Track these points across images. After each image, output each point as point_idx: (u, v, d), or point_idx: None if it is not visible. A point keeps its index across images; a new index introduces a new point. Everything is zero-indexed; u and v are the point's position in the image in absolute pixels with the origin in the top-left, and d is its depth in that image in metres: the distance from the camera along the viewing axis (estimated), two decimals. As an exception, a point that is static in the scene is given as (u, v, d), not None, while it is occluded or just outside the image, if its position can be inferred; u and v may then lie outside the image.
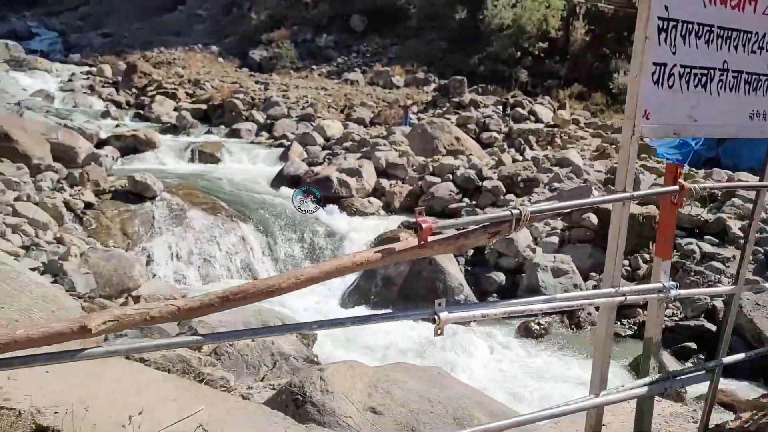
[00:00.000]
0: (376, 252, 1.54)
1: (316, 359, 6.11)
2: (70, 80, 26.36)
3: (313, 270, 1.49)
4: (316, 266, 1.51)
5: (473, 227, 1.70)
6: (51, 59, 32.30)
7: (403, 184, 13.45)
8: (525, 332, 8.04)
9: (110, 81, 26.78)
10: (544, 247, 10.07)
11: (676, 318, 8.43)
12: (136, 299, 6.23)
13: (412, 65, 27.05)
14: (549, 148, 16.32)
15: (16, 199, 8.24)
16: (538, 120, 19.20)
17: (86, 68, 29.60)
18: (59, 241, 7.67)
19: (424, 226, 1.52)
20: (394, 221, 11.79)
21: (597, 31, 25.51)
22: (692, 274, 8.92)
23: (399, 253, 1.56)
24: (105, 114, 20.43)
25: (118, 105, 22.87)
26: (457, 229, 1.72)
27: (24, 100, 19.22)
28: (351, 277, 9.48)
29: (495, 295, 9.41)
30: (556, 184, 12.46)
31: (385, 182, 13.43)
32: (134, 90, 24.88)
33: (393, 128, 17.35)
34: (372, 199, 12.93)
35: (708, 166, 14.47)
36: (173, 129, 18.50)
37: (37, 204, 8.26)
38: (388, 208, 12.85)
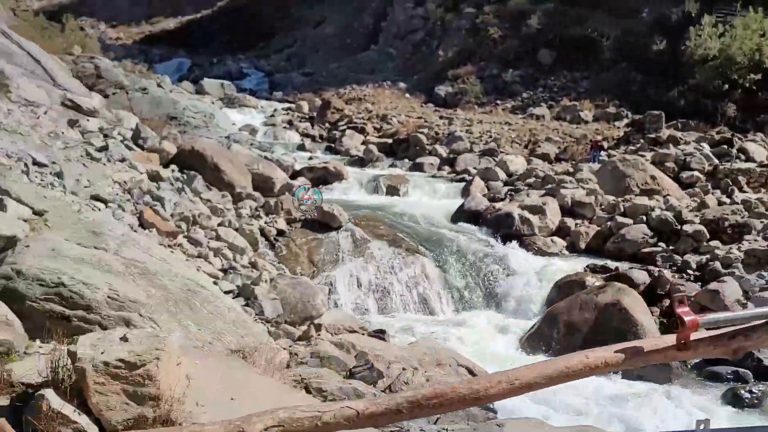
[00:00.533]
0: (617, 352, 1.21)
1: (492, 407, 5.81)
2: (272, 116, 28.82)
3: (530, 373, 1.19)
4: (533, 367, 1.21)
5: (758, 322, 1.26)
6: (258, 97, 35.63)
7: (590, 223, 12.69)
8: (733, 399, 7.04)
9: (307, 116, 28.84)
10: (757, 302, 8.83)
11: None
12: (318, 328, 6.43)
13: (602, 99, 25.82)
14: (763, 190, 14.50)
15: (220, 224, 8.97)
16: (749, 159, 17.22)
17: (287, 104, 32.19)
18: (253, 265, 8.18)
19: (686, 320, 1.12)
20: (580, 262, 11.11)
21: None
22: None
23: (649, 354, 1.22)
24: (301, 147, 21.90)
25: (312, 138, 24.48)
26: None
27: (233, 134, 21.20)
28: (528, 321, 9.06)
29: (695, 353, 8.40)
30: (772, 232, 10.97)
31: (570, 221, 12.77)
32: (327, 124, 26.52)
33: (580, 165, 16.56)
34: (555, 238, 12.33)
35: None
36: (360, 162, 19.30)
37: (236, 230, 8.92)
38: (573, 249, 12.16)
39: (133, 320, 3.50)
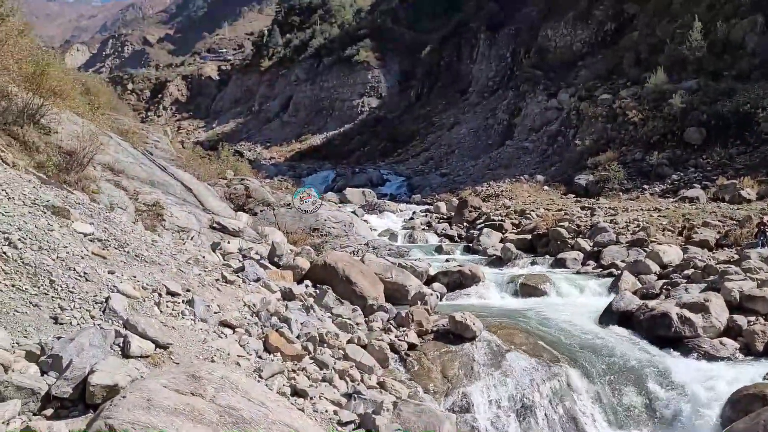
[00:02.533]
0: None
1: None
2: (411, 218, 29.25)
3: None
4: None
5: None
6: (397, 201, 36.56)
7: (765, 321, 11.03)
8: None
9: (445, 216, 28.95)
10: None
11: None
12: (445, 462, 5.83)
13: (766, 174, 23.45)
14: None
15: (349, 341, 8.77)
16: None
17: (425, 206, 32.62)
18: (381, 385, 7.81)
19: None
20: (759, 368, 9.54)
21: None
22: None
23: None
24: (438, 249, 21.75)
25: (450, 239, 24.35)
26: None
27: (372, 240, 21.57)
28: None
29: None
30: None
31: (740, 318, 11.18)
32: (465, 224, 26.36)
33: (746, 251, 14.79)
34: (725, 339, 10.78)
35: None
36: (498, 261, 18.68)
37: (365, 347, 8.66)
38: (748, 351, 10.52)
39: (223, 479, 3.26)
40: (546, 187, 31.14)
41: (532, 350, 9.90)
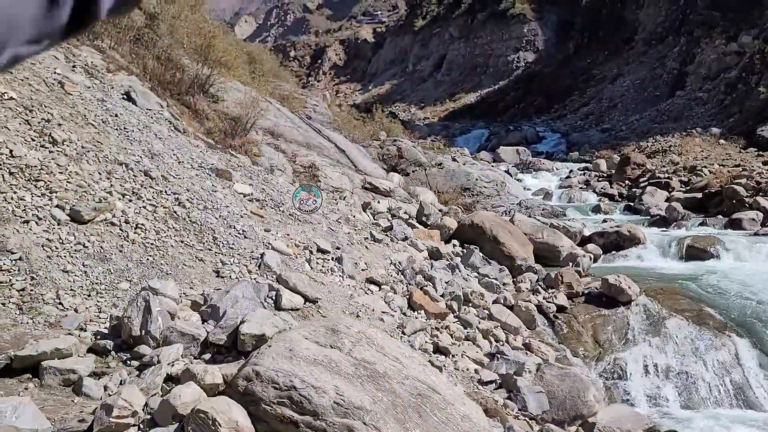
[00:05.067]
0: None
1: None
2: (568, 177, 28.11)
3: None
4: None
5: None
6: (553, 159, 35.28)
7: None
8: None
9: (605, 175, 27.47)
10: None
11: None
12: (590, 428, 5.62)
13: None
14: None
15: (495, 301, 8.70)
16: None
17: (583, 164, 31.16)
18: (527, 347, 7.68)
19: None
20: None
21: None
22: None
23: None
24: (596, 208, 20.75)
25: (610, 198, 23.10)
26: None
27: (525, 200, 21.09)
28: None
29: None
30: None
31: None
32: (627, 182, 24.85)
33: None
34: None
35: None
36: (662, 222, 17.42)
37: (510, 307, 8.55)
38: None
39: (357, 429, 3.39)
40: (722, 141, 28.33)
41: (696, 317, 9.18)
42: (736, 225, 16.04)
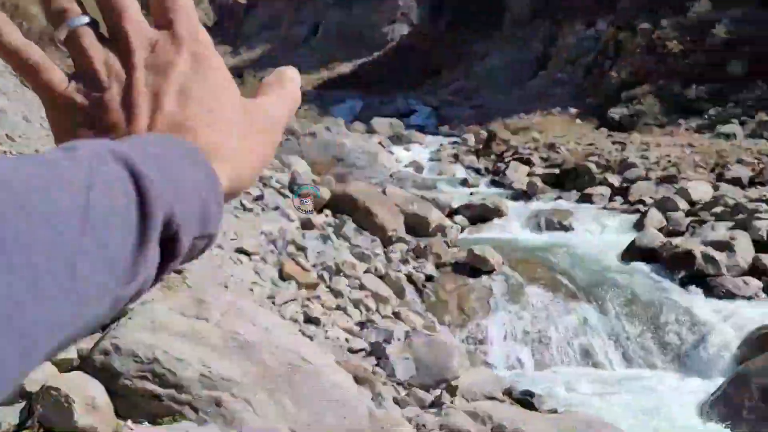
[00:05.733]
0: None
1: None
2: (438, 150, 28.84)
3: None
4: None
5: None
6: (425, 132, 36.01)
7: (792, 261, 10.79)
8: None
9: (473, 149, 28.46)
10: None
11: None
12: (453, 392, 5.91)
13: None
14: None
15: (366, 271, 8.82)
16: None
17: (453, 138, 32.12)
18: (396, 315, 7.88)
19: None
20: (780, 309, 9.43)
21: None
22: None
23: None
24: (464, 182, 21.55)
25: (477, 172, 24.02)
26: None
27: (397, 172, 21.45)
28: (712, 381, 7.72)
29: None
30: None
31: (766, 258, 10.96)
32: (493, 156, 25.92)
33: (781, 190, 14.36)
34: (748, 278, 10.60)
35: None
36: (523, 196, 18.46)
37: (381, 277, 8.71)
38: (772, 291, 10.40)
39: (225, 400, 3.32)
40: (578, 121, 30.41)
41: (551, 285, 9.87)
42: (587, 199, 17.35)
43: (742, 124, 23.44)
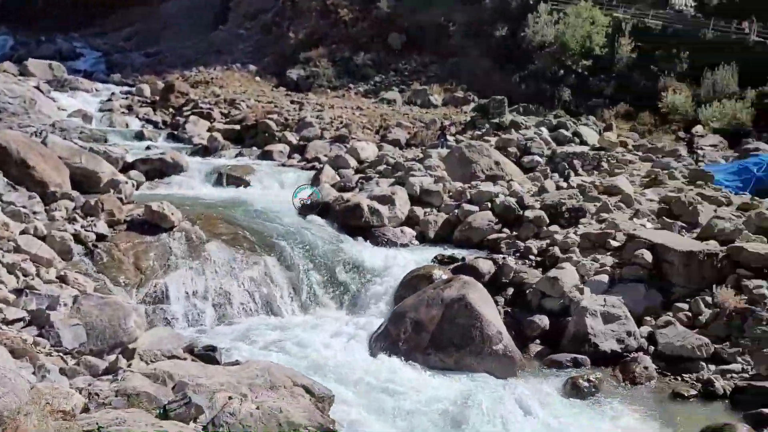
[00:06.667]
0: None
1: (332, 427, 5.35)
2: (109, 100, 26.36)
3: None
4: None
5: None
6: (93, 79, 32.57)
7: (438, 212, 12.65)
8: (572, 391, 7.12)
9: (149, 101, 26.70)
10: (593, 286, 9.12)
11: (747, 375, 7.38)
12: (130, 356, 5.58)
13: (451, 84, 26.31)
14: (596, 173, 15.31)
15: (23, 232, 7.74)
16: (583, 142, 18.18)
17: (126, 88, 29.72)
18: (62, 279, 7.12)
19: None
20: (429, 253, 11.01)
21: (644, 48, 24.33)
22: (765, 323, 7.87)
23: None
24: (139, 135, 20.17)
25: (154, 125, 22.67)
26: None
27: (60, 121, 19.09)
28: (377, 320, 8.72)
29: (538, 341, 8.50)
30: (604, 215, 11.48)
31: (419, 210, 12.66)
32: (171, 110, 24.71)
33: (429, 150, 16.59)
34: (405, 228, 12.16)
35: (773, 195, 13.22)
36: (204, 151, 18.12)
37: (43, 238, 7.75)
38: (423, 239, 12.07)
39: None
40: (258, 78, 30.70)
41: (233, 240, 9.92)
42: (267, 156, 17.79)
43: (401, 91, 26.32)
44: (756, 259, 8.95)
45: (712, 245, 9.48)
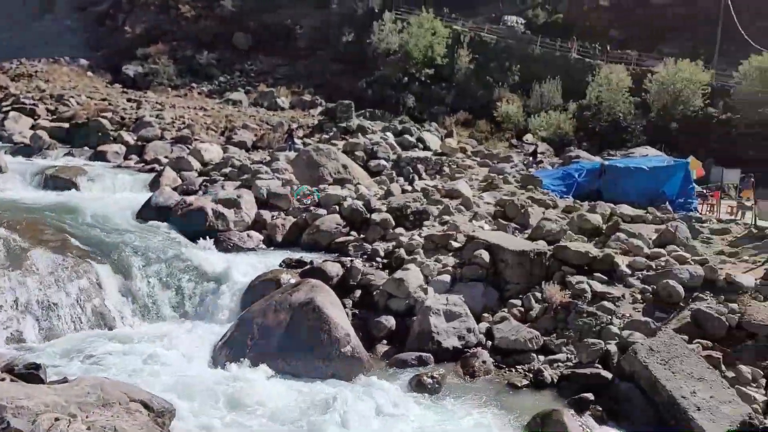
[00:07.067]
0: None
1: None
2: None
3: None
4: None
5: None
6: None
7: (286, 215, 12.52)
8: (417, 387, 7.33)
9: (-41, 94, 23.88)
10: (436, 286, 9.47)
11: (571, 363, 8.04)
12: (-69, 380, 4.88)
13: (299, 87, 26.25)
14: (438, 177, 16.00)
15: None
16: (426, 147, 18.94)
17: (-70, 78, 26.37)
18: None
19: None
20: (276, 257, 10.83)
21: (480, 60, 25.91)
22: (585, 315, 8.62)
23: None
24: (-52, 132, 18.00)
25: (-34, 121, 20.28)
26: None
27: None
28: (222, 327, 8.41)
29: (385, 341, 8.66)
30: (446, 217, 12.01)
31: (266, 214, 12.45)
32: (-13, 104, 22.24)
33: (277, 153, 16.40)
34: (252, 232, 11.89)
35: (591, 199, 14.61)
36: (27, 150, 16.53)
37: None
38: (270, 242, 11.87)
39: None
40: (90, 74, 28.62)
41: (60, 248, 9.10)
42: (101, 157, 16.59)
43: (247, 93, 25.80)
44: (577, 257, 9.81)
45: (541, 245, 10.24)
